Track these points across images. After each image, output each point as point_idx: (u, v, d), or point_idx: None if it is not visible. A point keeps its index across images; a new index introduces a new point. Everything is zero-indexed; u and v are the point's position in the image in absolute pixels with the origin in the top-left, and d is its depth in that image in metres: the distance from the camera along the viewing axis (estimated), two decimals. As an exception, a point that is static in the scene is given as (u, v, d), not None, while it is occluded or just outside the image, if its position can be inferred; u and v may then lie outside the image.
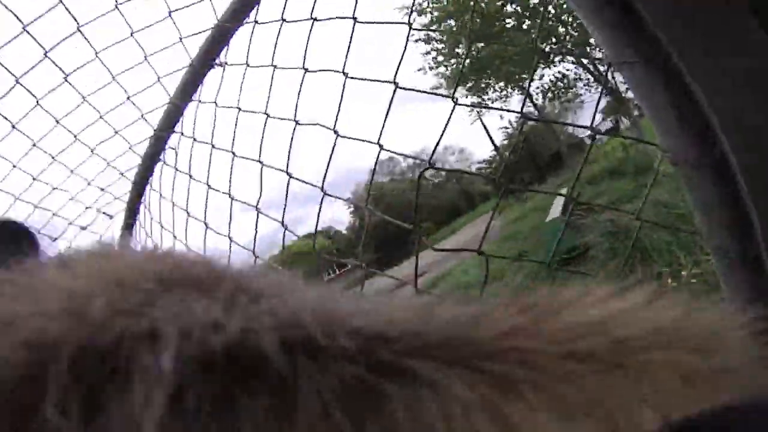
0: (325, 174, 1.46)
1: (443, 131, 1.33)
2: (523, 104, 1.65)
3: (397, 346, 0.21)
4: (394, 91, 1.23)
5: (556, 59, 19.96)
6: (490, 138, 32.64)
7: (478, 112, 24.85)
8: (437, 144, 1.36)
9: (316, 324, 0.21)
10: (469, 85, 22.38)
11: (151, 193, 2.30)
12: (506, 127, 30.02)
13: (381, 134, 1.26)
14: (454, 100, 1.21)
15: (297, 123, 1.48)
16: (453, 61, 21.36)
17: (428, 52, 21.49)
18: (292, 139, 1.50)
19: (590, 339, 0.22)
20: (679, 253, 4.57)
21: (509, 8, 18.42)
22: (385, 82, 1.21)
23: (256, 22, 1.59)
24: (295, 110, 1.48)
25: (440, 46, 20.73)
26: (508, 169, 24.36)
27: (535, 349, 0.21)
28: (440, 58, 21.00)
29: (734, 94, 0.68)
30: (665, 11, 0.69)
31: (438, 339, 0.22)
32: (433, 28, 18.87)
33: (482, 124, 25.21)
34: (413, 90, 1.27)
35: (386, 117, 1.27)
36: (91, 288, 0.24)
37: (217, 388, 0.19)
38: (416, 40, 20.19)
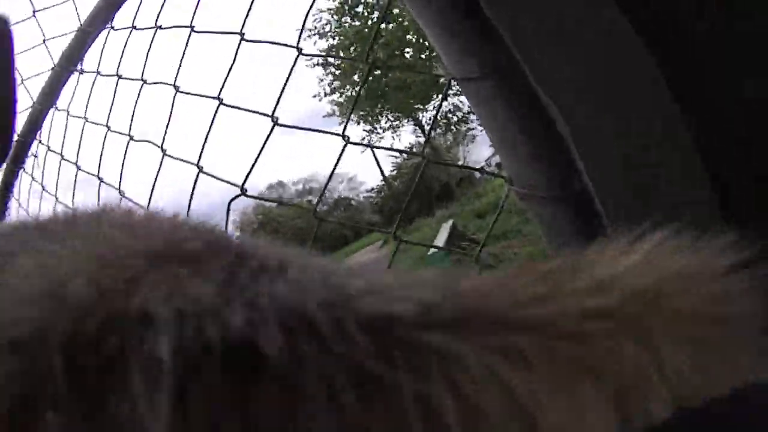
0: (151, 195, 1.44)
1: (334, 168, 1.32)
2: (424, 147, 1.66)
3: (408, 327, 0.19)
4: (272, 128, 1.21)
5: (451, 92, 20.65)
6: (380, 170, 33.24)
7: (369, 142, 25.36)
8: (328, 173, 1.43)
9: (322, 307, 0.20)
10: (362, 112, 22.87)
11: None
12: (396, 157, 30.65)
13: (201, 156, 1.28)
14: (345, 138, 1.16)
15: (131, 138, 1.51)
16: (348, 87, 21.74)
17: (323, 79, 21.72)
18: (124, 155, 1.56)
19: (607, 294, 0.21)
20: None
21: (411, 37, 18.98)
22: (263, 114, 1.18)
23: (112, 27, 1.62)
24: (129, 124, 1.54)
25: (337, 72, 21.04)
26: (396, 200, 24.87)
27: (551, 315, 0.20)
28: (336, 84, 21.32)
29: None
30: (514, 12, 0.59)
31: (453, 314, 0.20)
32: (332, 53, 19.23)
33: (373, 154, 25.73)
34: (294, 127, 1.28)
35: (206, 138, 1.31)
36: (71, 266, 0.23)
37: (217, 380, 0.18)
38: (315, 65, 20.43)
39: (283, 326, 0.19)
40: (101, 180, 1.62)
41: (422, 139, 25.91)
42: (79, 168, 1.75)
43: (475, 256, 1.07)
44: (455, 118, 23.88)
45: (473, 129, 24.73)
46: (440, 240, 9.06)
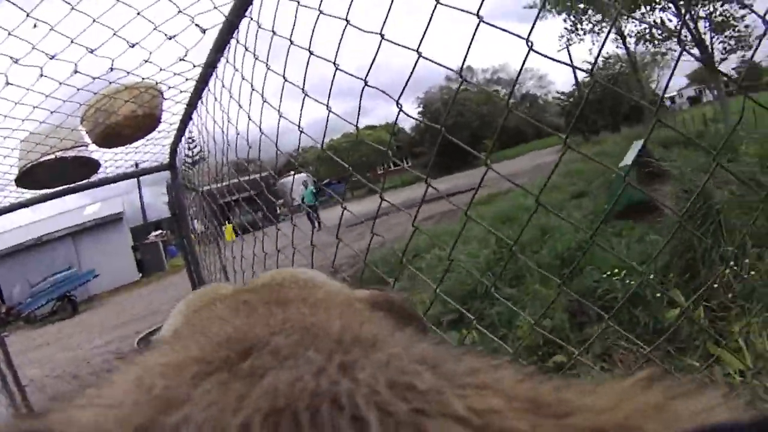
0: (368, 71, 1.62)
1: (520, 70, 1.48)
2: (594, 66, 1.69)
3: None
4: (477, 25, 1.32)
5: (658, 5, 19.01)
6: (575, 75, 31.60)
7: (567, 41, 24.01)
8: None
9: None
10: (567, 2, 21.58)
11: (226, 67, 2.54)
12: (592, 63, 28.95)
13: (421, 42, 1.41)
14: (529, 44, 1.26)
15: (348, 22, 1.61)
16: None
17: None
18: (341, 38, 1.66)
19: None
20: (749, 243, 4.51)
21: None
22: (468, 12, 1.30)
23: None
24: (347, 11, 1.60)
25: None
26: (584, 108, 23.70)
27: None
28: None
29: None
30: None
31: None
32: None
33: (569, 54, 24.37)
34: (488, 24, 1.34)
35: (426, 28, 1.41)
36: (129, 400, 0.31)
37: None
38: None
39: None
40: (311, 53, 1.81)
41: (621, 51, 24.19)
42: (292, 42, 1.90)
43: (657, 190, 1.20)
44: (658, 35, 21.86)
45: (674, 51, 22.60)
46: (629, 157, 8.85)
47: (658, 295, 4.16)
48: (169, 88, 3.12)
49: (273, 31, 1.98)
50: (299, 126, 2.03)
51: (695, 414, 0.26)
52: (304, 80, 1.89)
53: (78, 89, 2.66)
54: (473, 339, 4.06)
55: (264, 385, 0.29)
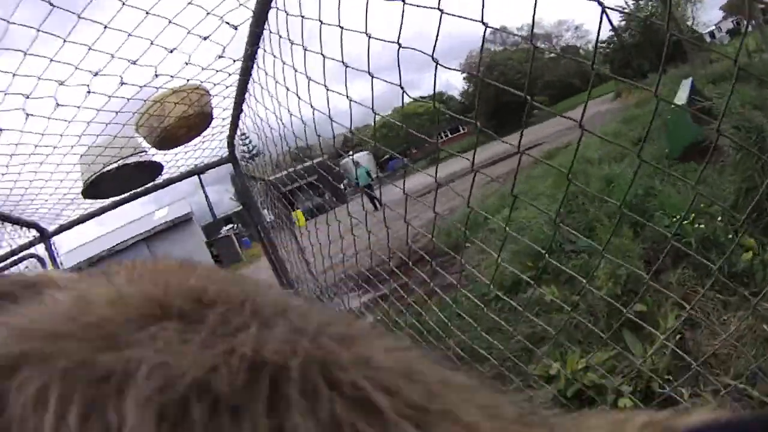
0: (435, 44, 1.63)
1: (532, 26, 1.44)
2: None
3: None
4: None
5: None
6: (609, 20, 30.80)
7: None
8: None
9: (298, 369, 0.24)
10: None
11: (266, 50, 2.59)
12: (623, 8, 28.05)
13: (483, 11, 1.40)
14: None
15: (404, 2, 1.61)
16: None
17: None
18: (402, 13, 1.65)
19: None
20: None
21: None
22: None
23: None
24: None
25: None
26: (624, 52, 23.01)
27: None
28: None
29: None
30: None
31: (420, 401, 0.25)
32: None
33: (600, 4, 23.77)
34: None
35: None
36: (67, 326, 0.27)
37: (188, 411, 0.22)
38: None
39: (247, 375, 0.23)
40: (342, 28, 1.88)
41: None
42: (321, 22, 1.97)
43: (716, 128, 1.19)
44: None
45: None
46: (681, 97, 8.61)
47: (730, 236, 4.05)
48: (215, 85, 3.20)
49: (302, 15, 2.04)
50: (348, 96, 2.06)
51: None
52: (343, 55, 1.94)
53: (128, 99, 2.76)
54: (553, 293, 4.06)
55: (243, 336, 0.26)
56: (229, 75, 3.05)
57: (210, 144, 4.27)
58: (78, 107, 2.47)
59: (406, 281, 2.91)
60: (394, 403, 0.24)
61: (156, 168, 4.06)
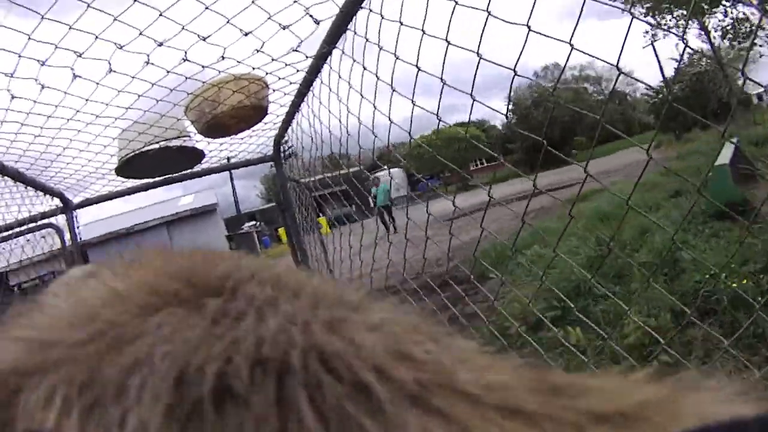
0: (475, 74, 1.76)
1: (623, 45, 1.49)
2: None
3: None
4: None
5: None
6: (661, 70, 30.48)
7: (652, 36, 23.27)
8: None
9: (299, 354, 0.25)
10: (648, 5, 20.98)
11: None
12: (677, 59, 27.90)
13: (573, 35, 1.52)
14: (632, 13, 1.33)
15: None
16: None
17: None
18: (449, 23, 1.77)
19: (599, 428, 0.24)
20: None
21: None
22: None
23: None
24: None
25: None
26: (672, 104, 22.86)
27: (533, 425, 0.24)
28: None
29: None
30: None
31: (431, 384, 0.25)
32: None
33: (654, 50, 23.69)
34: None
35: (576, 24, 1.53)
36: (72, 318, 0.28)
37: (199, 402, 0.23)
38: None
39: (252, 366, 0.24)
40: (424, 32, 1.87)
41: (706, 45, 23.23)
42: (402, 24, 1.97)
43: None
44: (743, 29, 20.88)
45: (761, 47, 21.49)
46: (726, 156, 8.56)
47: (760, 298, 4.00)
48: (279, 79, 3.04)
49: (400, 22, 2.02)
50: (389, 117, 2.19)
51: (702, 408, 0.26)
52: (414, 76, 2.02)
53: (186, 78, 2.58)
54: (577, 337, 4.01)
55: (243, 329, 0.26)
56: (297, 71, 2.90)
57: (257, 140, 4.15)
58: (132, 77, 2.29)
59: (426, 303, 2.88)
60: (386, 383, 0.24)
61: (197, 155, 3.94)
